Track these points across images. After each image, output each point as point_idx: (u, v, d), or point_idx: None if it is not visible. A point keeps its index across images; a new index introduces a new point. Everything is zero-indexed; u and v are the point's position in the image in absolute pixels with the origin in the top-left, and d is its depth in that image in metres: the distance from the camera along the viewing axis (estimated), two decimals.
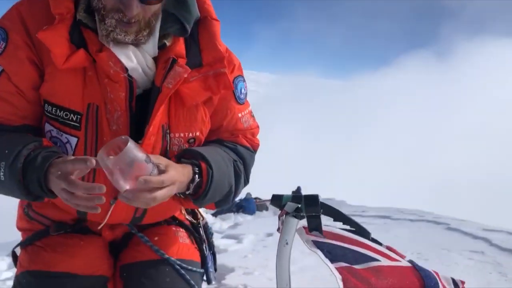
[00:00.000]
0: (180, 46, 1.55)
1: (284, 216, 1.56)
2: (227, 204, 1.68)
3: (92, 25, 1.46)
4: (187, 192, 1.46)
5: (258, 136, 1.83)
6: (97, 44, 1.45)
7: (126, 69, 1.45)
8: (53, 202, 1.70)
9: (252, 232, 3.99)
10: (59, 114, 1.48)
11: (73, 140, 1.49)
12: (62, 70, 1.41)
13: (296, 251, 2.64)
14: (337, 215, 1.55)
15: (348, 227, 1.62)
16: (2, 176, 1.35)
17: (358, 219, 4.48)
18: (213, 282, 1.95)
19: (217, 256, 3.20)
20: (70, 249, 1.67)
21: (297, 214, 1.52)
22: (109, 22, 1.39)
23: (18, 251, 1.77)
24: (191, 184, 1.44)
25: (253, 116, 1.81)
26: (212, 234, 2.02)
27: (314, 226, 1.54)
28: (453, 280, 1.68)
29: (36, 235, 1.74)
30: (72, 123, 1.47)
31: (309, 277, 2.16)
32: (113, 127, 1.48)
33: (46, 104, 1.50)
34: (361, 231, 1.54)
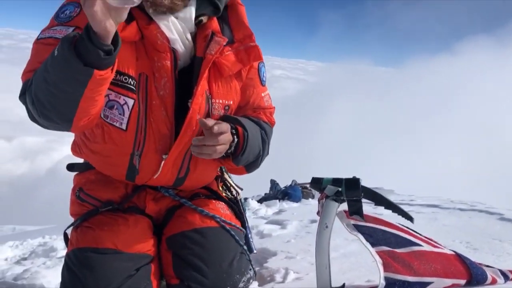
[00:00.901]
0: (215, 24, 1.76)
1: (324, 199, 1.54)
2: (256, 167, 1.91)
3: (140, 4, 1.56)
4: (229, 151, 1.67)
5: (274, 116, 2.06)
6: (145, 18, 1.63)
7: (168, 41, 1.65)
8: (102, 179, 1.86)
9: (296, 218, 3.97)
10: (119, 78, 1.64)
11: (130, 102, 1.66)
12: None
13: (340, 238, 2.64)
14: (379, 200, 1.51)
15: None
16: (55, 52, 1.34)
17: (405, 208, 4.35)
18: (254, 251, 2.00)
19: (260, 240, 3.25)
20: (116, 228, 1.75)
21: (337, 197, 1.50)
22: None
23: (69, 233, 1.87)
24: (232, 144, 1.65)
25: (270, 98, 2.04)
26: (245, 210, 2.13)
27: (354, 210, 1.52)
28: (501, 271, 1.61)
29: (86, 215, 1.84)
30: (131, 86, 1.65)
31: (350, 263, 2.13)
32: (161, 92, 1.68)
33: None
34: (404, 215, 1.50)
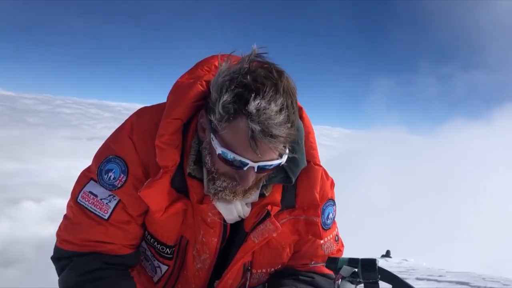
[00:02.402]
0: (278, 193, 1.54)
1: (340, 280, 1.50)
2: None
3: (198, 176, 1.46)
4: None
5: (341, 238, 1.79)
6: (200, 194, 1.46)
7: (223, 218, 1.49)
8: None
9: None
10: (156, 246, 1.57)
11: (164, 268, 1.61)
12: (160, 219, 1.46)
13: None
14: (397, 282, 1.46)
15: None
16: None
17: (433, 285, 4.17)
18: None
19: None
20: None
21: (353, 279, 1.45)
22: (220, 183, 1.38)
23: None
24: None
25: (337, 241, 1.76)
26: None
27: None
28: None
29: None
30: (167, 255, 1.57)
31: None
32: (198, 265, 1.57)
33: (145, 231, 1.58)
34: None
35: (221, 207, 1.45)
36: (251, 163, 1.28)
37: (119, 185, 1.46)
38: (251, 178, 1.33)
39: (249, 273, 1.60)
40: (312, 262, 1.71)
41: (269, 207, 1.49)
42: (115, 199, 1.47)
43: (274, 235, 1.49)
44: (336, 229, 1.77)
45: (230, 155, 1.28)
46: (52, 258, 1.53)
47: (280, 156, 1.33)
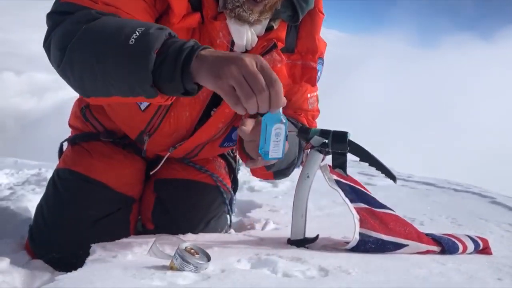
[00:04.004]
0: (283, 30, 1.57)
1: (309, 150, 1.51)
2: (285, 176, 1.72)
3: None
4: None
5: (317, 120, 1.85)
6: (213, 10, 1.44)
7: (231, 43, 1.47)
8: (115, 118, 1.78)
9: (289, 179, 3.96)
10: None
11: None
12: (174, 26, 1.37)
13: (328, 199, 2.63)
14: (365, 156, 1.47)
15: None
16: (133, 39, 1.05)
17: (400, 183, 4.32)
18: (233, 213, 2.00)
19: (249, 193, 3.25)
20: (112, 162, 1.75)
21: (322, 149, 1.46)
22: None
23: (65, 146, 1.87)
24: None
25: (318, 101, 1.83)
26: (239, 169, 2.09)
27: (338, 164, 1.49)
28: (470, 237, 1.59)
29: (86, 136, 1.82)
30: None
31: (331, 222, 2.14)
32: None
33: None
34: (388, 174, 1.47)
35: (234, 28, 1.44)
36: None
37: None
38: None
39: None
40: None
41: (275, 40, 1.53)
42: None
43: (279, 65, 1.50)
44: (318, 91, 1.83)
45: None
46: (50, 13, 1.27)
47: None
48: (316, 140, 1.46)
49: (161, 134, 1.69)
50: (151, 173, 1.83)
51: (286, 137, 1.19)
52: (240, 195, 2.94)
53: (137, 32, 1.06)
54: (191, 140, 1.70)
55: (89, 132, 1.85)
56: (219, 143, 1.81)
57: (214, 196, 1.88)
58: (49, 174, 4.10)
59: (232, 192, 1.99)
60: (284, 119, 1.15)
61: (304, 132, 1.49)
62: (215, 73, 1.01)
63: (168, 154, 1.75)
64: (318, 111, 1.86)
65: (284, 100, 1.06)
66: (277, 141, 1.18)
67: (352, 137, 1.45)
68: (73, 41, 1.13)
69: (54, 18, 1.25)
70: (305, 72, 1.63)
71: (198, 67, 1.03)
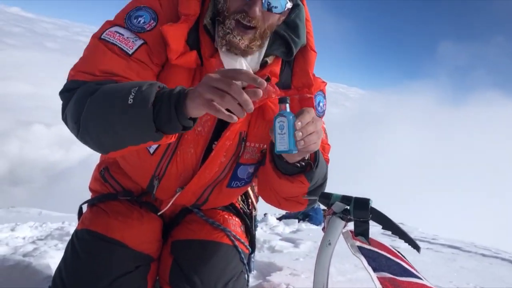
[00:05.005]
0: (277, 66, 1.65)
1: (331, 216, 1.50)
2: (317, 194, 1.66)
3: (211, 32, 1.57)
4: (303, 163, 1.56)
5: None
6: (210, 49, 1.57)
7: None
8: (128, 172, 1.85)
9: (311, 239, 3.92)
10: None
11: None
12: (174, 65, 1.53)
13: (349, 263, 2.58)
14: (387, 224, 1.45)
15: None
16: (131, 99, 1.24)
17: (425, 245, 4.21)
18: (252, 272, 1.96)
19: (269, 255, 3.21)
20: (129, 221, 1.77)
21: (344, 215, 1.45)
22: (229, 24, 1.50)
23: (84, 208, 1.91)
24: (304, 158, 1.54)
25: (326, 133, 1.84)
26: (256, 227, 2.08)
27: (360, 231, 1.46)
28: None
29: (104, 197, 1.86)
30: None
31: None
32: (198, 129, 1.63)
33: None
34: (411, 244, 1.44)
35: (226, 60, 1.54)
36: None
37: (148, 28, 1.55)
38: (258, 8, 1.46)
39: (243, 143, 1.68)
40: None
41: (268, 74, 1.59)
42: (141, 40, 1.53)
43: (273, 96, 1.50)
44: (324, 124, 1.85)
45: None
46: (61, 92, 1.50)
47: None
48: (338, 206, 1.45)
49: (169, 177, 1.73)
50: (169, 233, 1.85)
51: (294, 131, 1.28)
52: (260, 256, 2.90)
53: (132, 93, 1.25)
54: (197, 177, 1.72)
55: (107, 193, 1.89)
56: (226, 183, 1.81)
57: (231, 255, 1.86)
58: (71, 228, 4.15)
59: (250, 249, 1.97)
60: (287, 113, 1.26)
61: (325, 198, 1.49)
62: (195, 98, 1.18)
63: (177, 194, 1.76)
64: (329, 144, 1.86)
65: (262, 83, 1.20)
66: (281, 133, 1.29)
67: (374, 203, 1.44)
68: (83, 114, 1.35)
69: (65, 95, 1.49)
70: (303, 104, 1.68)
71: (186, 104, 1.21)
